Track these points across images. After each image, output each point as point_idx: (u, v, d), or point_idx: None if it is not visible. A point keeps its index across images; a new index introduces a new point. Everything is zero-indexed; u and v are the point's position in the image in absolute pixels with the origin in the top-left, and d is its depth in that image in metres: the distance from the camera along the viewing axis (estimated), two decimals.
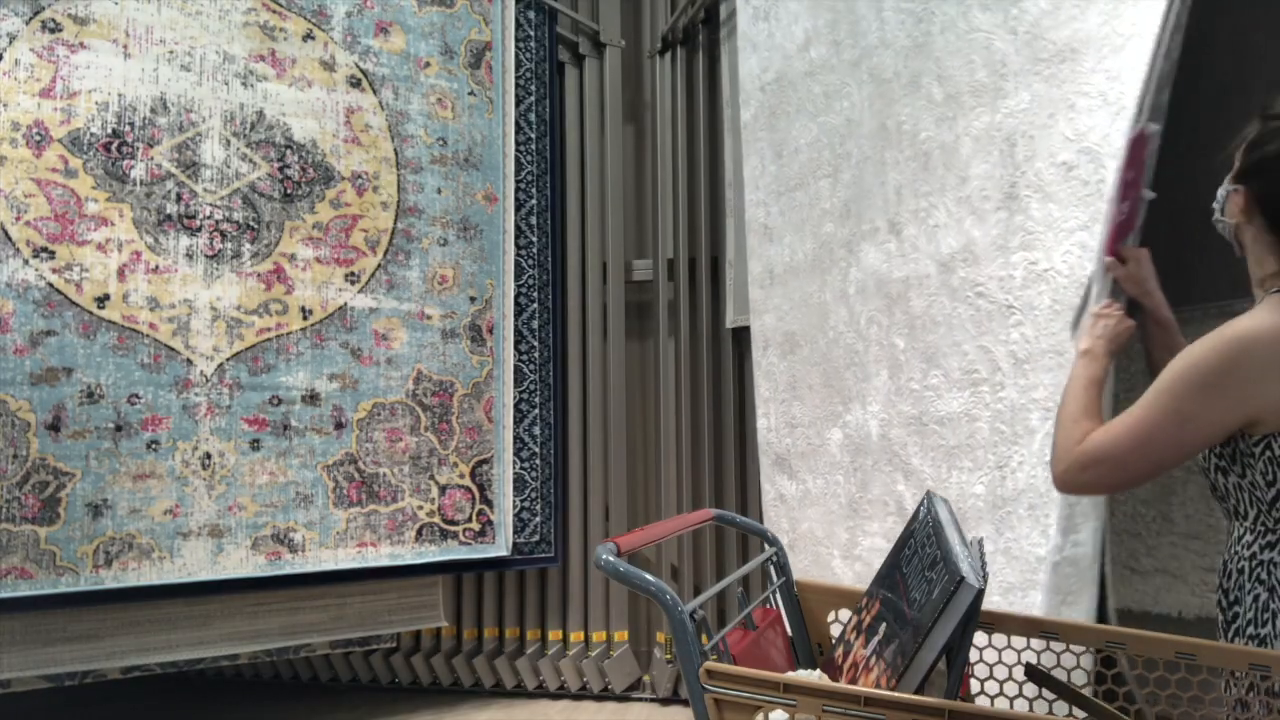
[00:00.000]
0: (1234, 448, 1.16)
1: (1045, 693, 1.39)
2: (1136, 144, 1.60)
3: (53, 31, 2.46)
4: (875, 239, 2.39)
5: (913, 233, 2.25)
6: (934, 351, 2.16)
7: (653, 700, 3.36)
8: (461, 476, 3.01)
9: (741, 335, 3.33)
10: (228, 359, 2.63)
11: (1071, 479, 1.20)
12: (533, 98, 3.34)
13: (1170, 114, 1.72)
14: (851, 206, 2.49)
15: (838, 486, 2.52)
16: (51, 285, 2.41)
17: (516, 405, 3.19)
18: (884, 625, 1.22)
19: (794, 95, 2.76)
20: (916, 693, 1.04)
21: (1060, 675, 1.39)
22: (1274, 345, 1.08)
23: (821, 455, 2.61)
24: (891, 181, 2.33)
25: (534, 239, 3.30)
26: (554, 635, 3.42)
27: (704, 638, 1.13)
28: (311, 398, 2.75)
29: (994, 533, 1.92)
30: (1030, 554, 1.80)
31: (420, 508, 2.91)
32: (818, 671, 1.33)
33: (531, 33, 3.36)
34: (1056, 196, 1.82)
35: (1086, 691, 1.37)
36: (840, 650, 1.36)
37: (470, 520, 3.01)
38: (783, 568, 1.58)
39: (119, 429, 2.46)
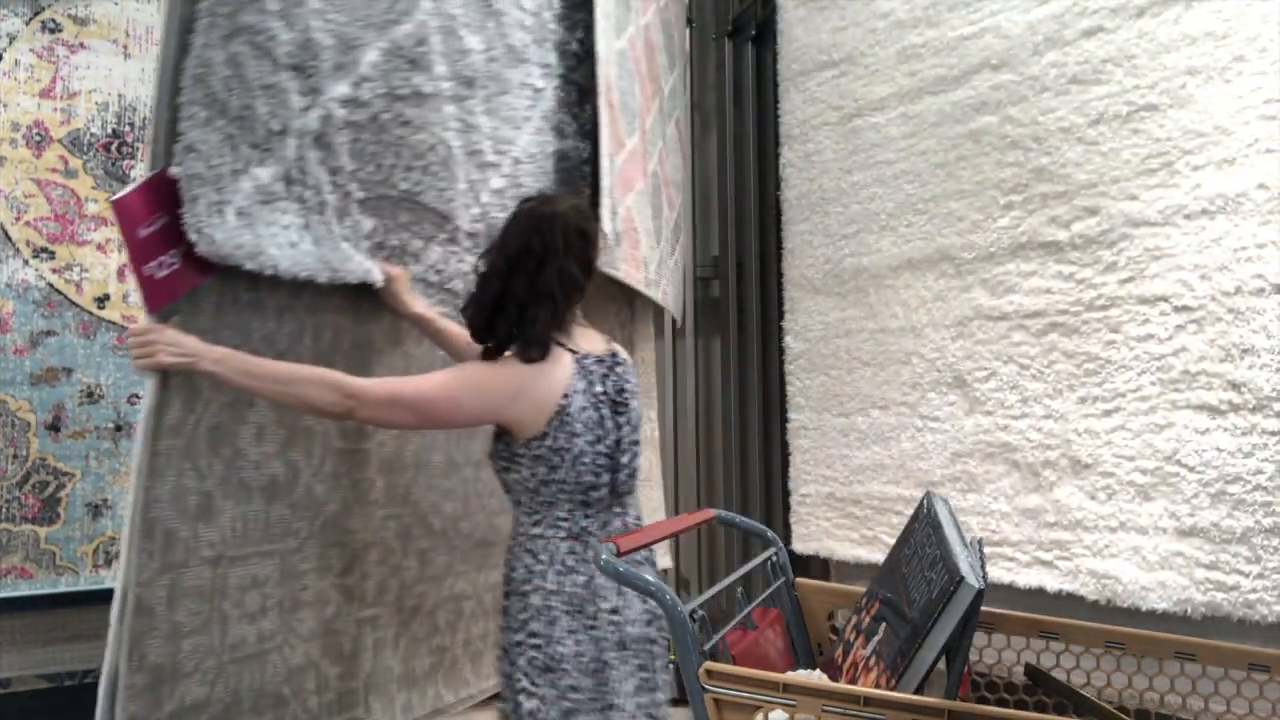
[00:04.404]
0: (510, 451, 1.51)
1: (1045, 693, 1.39)
2: (156, 190, 1.40)
3: (53, 32, 2.46)
4: None
5: None
6: None
7: None
8: None
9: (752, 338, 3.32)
10: None
11: (379, 412, 1.47)
12: None
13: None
14: None
15: None
16: (51, 285, 2.41)
17: None
18: (884, 625, 1.22)
19: None
20: (916, 693, 1.04)
21: (1060, 675, 1.39)
22: (514, 382, 1.48)
23: None
24: None
25: None
26: None
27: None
28: None
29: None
30: None
31: None
32: (817, 671, 1.33)
33: None
34: None
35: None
36: (840, 650, 1.36)
37: None
38: (783, 568, 1.58)
39: (119, 429, 2.46)
